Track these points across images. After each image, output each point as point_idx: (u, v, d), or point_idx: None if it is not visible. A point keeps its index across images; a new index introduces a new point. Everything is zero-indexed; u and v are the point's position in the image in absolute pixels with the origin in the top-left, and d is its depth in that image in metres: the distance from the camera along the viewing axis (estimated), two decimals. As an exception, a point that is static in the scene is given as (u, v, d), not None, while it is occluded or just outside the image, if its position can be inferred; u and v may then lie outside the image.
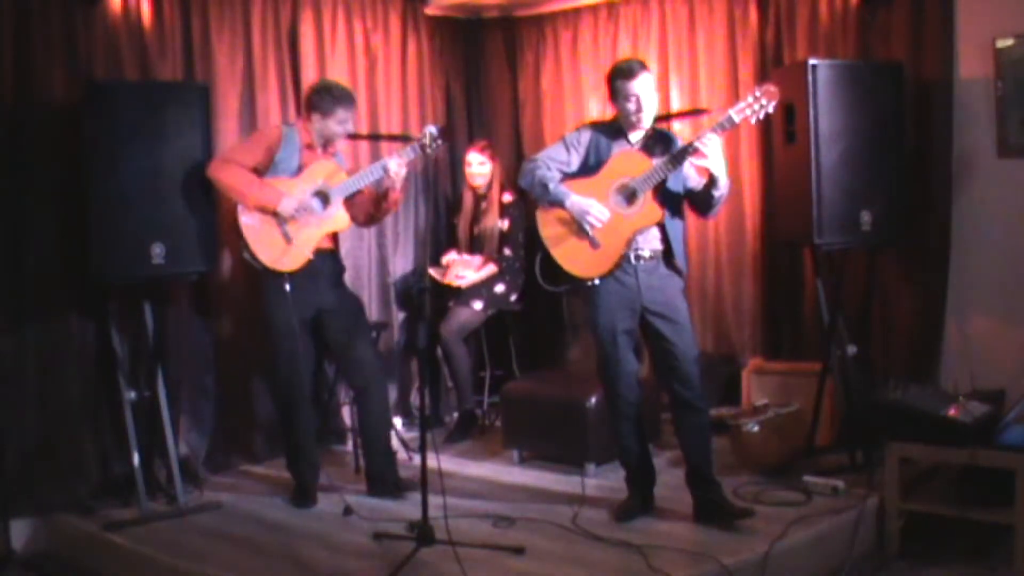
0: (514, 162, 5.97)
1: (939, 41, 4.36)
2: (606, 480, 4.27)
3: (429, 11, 5.67)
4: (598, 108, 5.66)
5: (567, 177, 3.77)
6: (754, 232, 5.11)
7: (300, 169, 4.05)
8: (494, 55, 6.06)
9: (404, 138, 4.32)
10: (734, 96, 5.11)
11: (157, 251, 3.99)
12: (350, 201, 4.13)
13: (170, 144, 4.03)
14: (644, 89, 3.63)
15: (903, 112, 4.31)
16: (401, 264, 5.55)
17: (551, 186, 3.71)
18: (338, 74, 5.13)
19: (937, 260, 4.45)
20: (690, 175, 3.75)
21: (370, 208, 4.24)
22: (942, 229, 4.42)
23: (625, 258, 3.68)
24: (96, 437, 4.26)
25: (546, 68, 5.89)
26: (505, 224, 5.32)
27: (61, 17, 4.13)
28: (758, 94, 3.51)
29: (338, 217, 4.09)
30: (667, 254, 3.72)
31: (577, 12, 5.73)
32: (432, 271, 5.26)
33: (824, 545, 3.64)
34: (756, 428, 4.26)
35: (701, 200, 3.74)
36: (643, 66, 3.67)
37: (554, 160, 3.78)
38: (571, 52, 5.77)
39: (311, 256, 4.01)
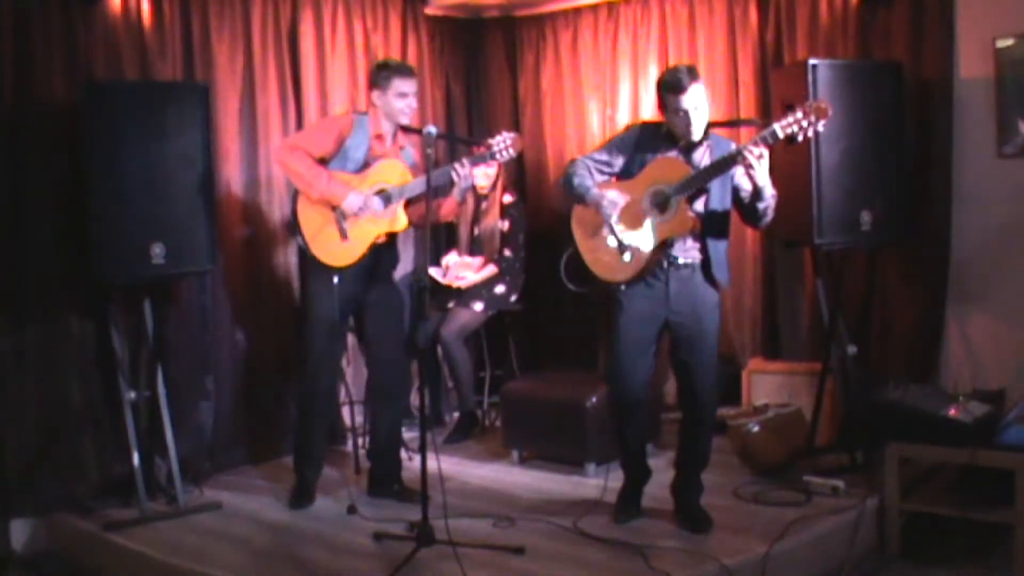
0: (514, 162, 5.97)
1: (939, 41, 4.36)
2: (604, 480, 4.26)
3: (429, 11, 5.67)
4: (598, 108, 5.68)
5: (615, 177, 3.71)
6: (754, 232, 5.10)
7: (367, 162, 4.02)
8: (494, 55, 6.06)
9: (478, 143, 4.28)
10: (734, 97, 5.12)
11: (157, 251, 3.98)
12: (410, 201, 4.09)
13: (170, 144, 4.02)
14: (694, 103, 3.46)
15: (903, 112, 4.31)
16: (401, 264, 5.53)
17: (575, 180, 3.64)
18: (338, 74, 5.14)
19: (937, 260, 4.45)
20: (742, 185, 3.58)
21: (424, 211, 4.09)
22: (942, 229, 4.42)
23: (657, 264, 3.61)
24: (96, 437, 4.26)
25: (546, 68, 5.89)
26: (505, 225, 5.32)
27: (61, 17, 4.13)
28: (808, 109, 3.33)
29: (397, 218, 4.05)
30: (705, 266, 3.61)
31: (577, 12, 5.73)
32: (433, 272, 5.26)
33: (824, 545, 3.64)
34: (756, 428, 4.26)
35: (748, 211, 3.61)
36: (693, 76, 3.47)
37: (596, 162, 3.71)
38: (571, 52, 5.78)
39: (365, 252, 3.99)
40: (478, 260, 5.34)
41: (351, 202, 3.93)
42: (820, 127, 3.37)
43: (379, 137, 4.08)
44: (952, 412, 3.69)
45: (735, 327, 5.23)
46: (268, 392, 4.89)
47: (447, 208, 4.21)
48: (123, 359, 4.20)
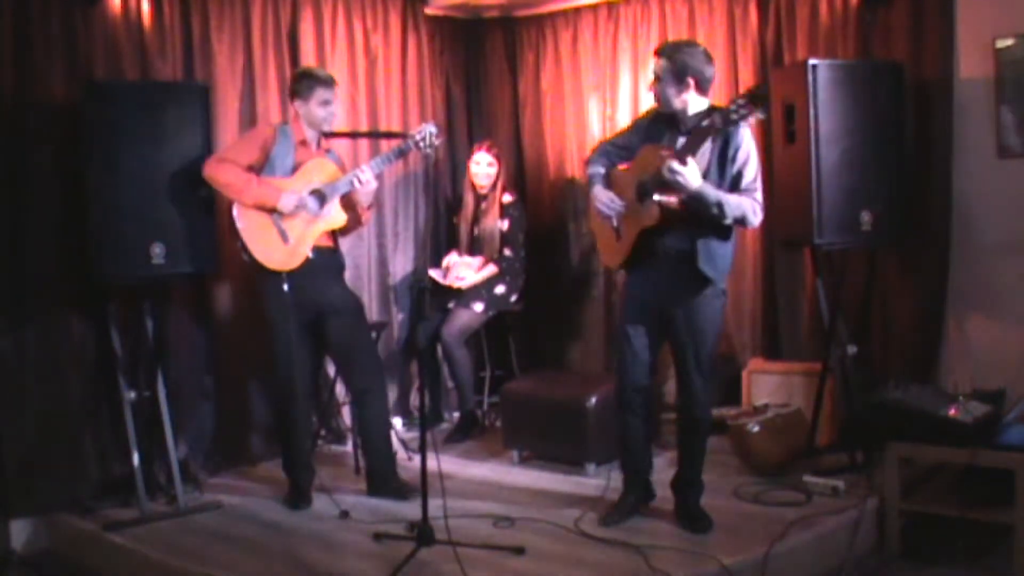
0: (514, 162, 5.98)
1: (939, 41, 4.36)
2: (606, 480, 4.27)
3: (429, 11, 5.67)
4: (598, 108, 5.67)
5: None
6: (754, 232, 5.10)
7: (295, 168, 4.04)
8: (494, 55, 6.06)
9: (401, 135, 4.28)
10: (735, 97, 5.11)
11: (157, 251, 3.99)
12: (345, 200, 4.11)
13: (170, 144, 4.02)
14: (654, 73, 3.61)
15: (903, 112, 4.31)
16: (401, 264, 5.55)
17: (589, 169, 3.85)
18: (338, 74, 5.12)
19: (937, 260, 4.45)
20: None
21: (352, 210, 4.18)
22: (942, 229, 4.42)
23: (646, 252, 3.65)
24: (96, 437, 4.26)
25: (546, 68, 5.89)
26: (505, 225, 5.32)
27: (61, 17, 4.13)
28: (744, 100, 3.29)
29: (334, 216, 4.07)
30: (694, 258, 3.59)
31: (577, 12, 5.73)
32: (433, 272, 5.27)
33: (824, 545, 3.64)
34: (756, 428, 4.26)
35: None
36: (660, 49, 3.64)
37: (615, 146, 3.87)
38: (571, 52, 5.77)
39: (310, 255, 4.00)
40: (478, 260, 5.34)
41: (286, 202, 3.94)
42: (760, 115, 3.28)
43: (304, 143, 4.10)
44: (952, 412, 3.69)
45: (735, 327, 5.23)
46: (267, 392, 4.88)
47: (360, 213, 4.22)
48: (123, 359, 4.20)
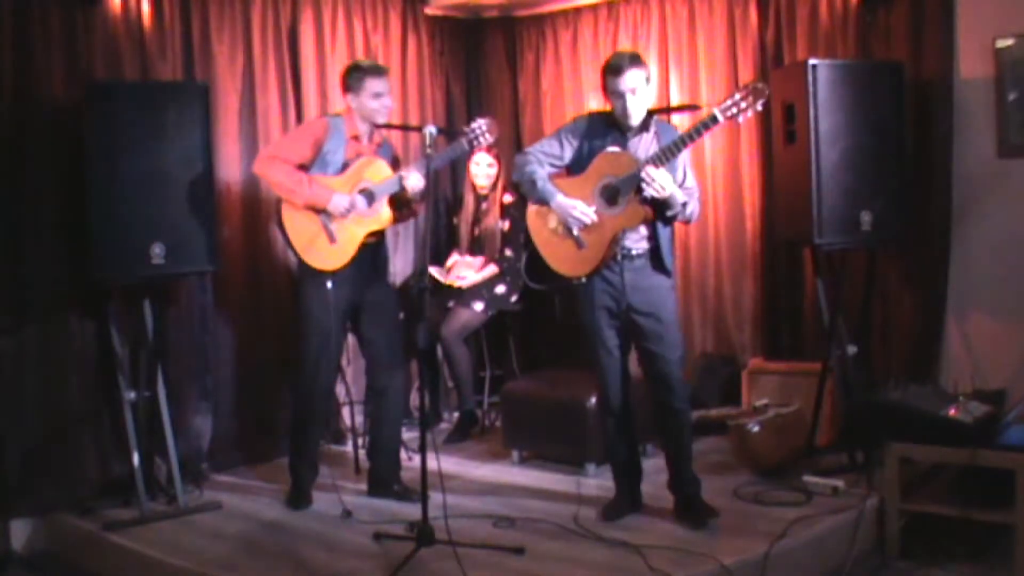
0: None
1: (939, 41, 4.36)
2: (606, 480, 4.26)
3: (429, 11, 5.67)
4: (598, 107, 5.67)
5: (564, 169, 3.76)
6: (754, 232, 5.11)
7: (345, 164, 4.01)
8: (494, 55, 6.06)
9: (450, 132, 4.24)
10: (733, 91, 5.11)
11: (157, 251, 3.99)
12: (393, 197, 4.07)
13: (170, 144, 4.02)
14: (632, 85, 3.54)
15: (903, 112, 4.31)
16: (401, 264, 5.55)
17: (539, 184, 3.70)
18: (338, 74, 5.11)
19: (937, 260, 4.45)
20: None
21: (405, 208, 4.17)
22: (942, 229, 4.43)
23: (611, 257, 3.66)
24: (96, 437, 4.27)
25: (546, 68, 5.90)
26: (506, 225, 5.32)
27: (61, 17, 4.13)
28: (746, 91, 3.43)
29: (382, 215, 4.05)
30: (656, 254, 3.68)
31: (577, 12, 5.74)
32: (433, 270, 5.27)
33: (824, 545, 3.64)
34: (756, 428, 4.26)
35: (659, 211, 3.65)
36: (633, 61, 3.56)
37: (546, 154, 3.75)
38: (571, 52, 5.78)
39: (355, 253, 3.99)
40: (479, 260, 5.34)
41: (337, 203, 3.92)
42: (759, 107, 3.43)
43: (356, 138, 4.06)
44: (952, 412, 3.69)
45: (735, 327, 5.24)
46: (268, 392, 4.89)
47: (411, 210, 4.22)
48: (123, 359, 4.20)
